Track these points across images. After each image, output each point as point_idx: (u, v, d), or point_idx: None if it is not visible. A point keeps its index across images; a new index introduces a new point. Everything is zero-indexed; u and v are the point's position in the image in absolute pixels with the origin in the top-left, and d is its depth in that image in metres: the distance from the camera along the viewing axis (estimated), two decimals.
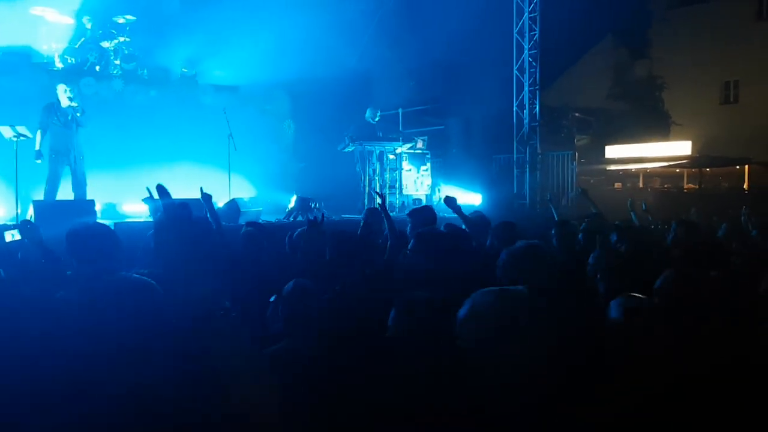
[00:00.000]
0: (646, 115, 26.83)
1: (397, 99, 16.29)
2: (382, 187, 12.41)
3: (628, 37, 28.59)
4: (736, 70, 25.98)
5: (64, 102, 9.73)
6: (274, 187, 13.70)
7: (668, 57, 27.05)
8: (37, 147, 9.46)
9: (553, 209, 8.14)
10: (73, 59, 12.30)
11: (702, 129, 25.24)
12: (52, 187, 9.66)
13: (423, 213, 5.40)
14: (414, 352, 2.36)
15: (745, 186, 22.19)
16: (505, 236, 4.56)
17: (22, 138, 8.86)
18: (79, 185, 9.85)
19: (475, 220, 5.53)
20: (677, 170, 24.39)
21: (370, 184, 12.22)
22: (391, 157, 12.73)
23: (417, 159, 13.43)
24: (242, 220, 9.41)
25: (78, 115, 9.79)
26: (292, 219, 10.73)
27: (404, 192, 13.09)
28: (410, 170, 13.25)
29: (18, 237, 4.19)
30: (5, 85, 11.00)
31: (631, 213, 7.07)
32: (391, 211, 11.38)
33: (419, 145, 13.62)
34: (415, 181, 13.29)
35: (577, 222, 6.46)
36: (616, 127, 26.10)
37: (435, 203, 13.45)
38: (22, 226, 3.83)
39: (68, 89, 9.74)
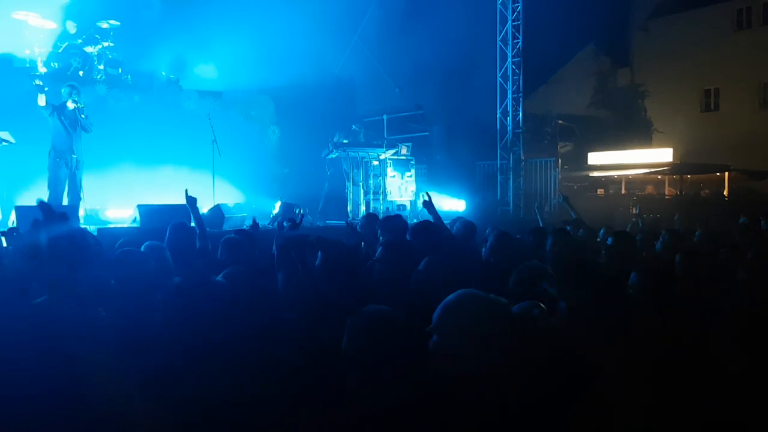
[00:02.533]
0: (628, 123, 27.12)
1: (382, 105, 16.38)
2: (366, 193, 12.45)
3: (610, 46, 28.93)
4: (716, 79, 26.40)
5: (70, 105, 9.56)
6: (258, 192, 13.69)
7: (650, 65, 27.43)
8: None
9: (539, 217, 8.20)
10: (56, 64, 12.22)
11: (683, 136, 25.57)
12: (56, 190, 9.43)
13: (393, 221, 5.18)
14: (370, 372, 2.22)
15: (725, 193, 22.47)
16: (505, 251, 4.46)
17: (4, 143, 8.80)
18: (74, 191, 9.64)
19: (459, 227, 5.53)
20: (659, 177, 24.64)
21: (354, 190, 12.27)
22: (375, 163, 12.77)
23: (401, 165, 13.48)
24: (226, 226, 9.42)
25: (83, 117, 9.64)
26: (276, 225, 10.72)
27: (389, 198, 13.12)
28: (394, 176, 13.29)
29: (4, 244, 4.18)
30: None
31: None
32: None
33: (403, 151, 13.67)
34: (399, 187, 13.34)
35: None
36: (599, 134, 26.33)
37: (419, 210, 13.51)
38: (8, 234, 3.84)
39: (73, 92, 9.57)
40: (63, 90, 9.62)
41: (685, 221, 10.71)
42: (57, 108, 9.50)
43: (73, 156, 9.59)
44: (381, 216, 6.57)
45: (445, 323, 2.09)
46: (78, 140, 9.68)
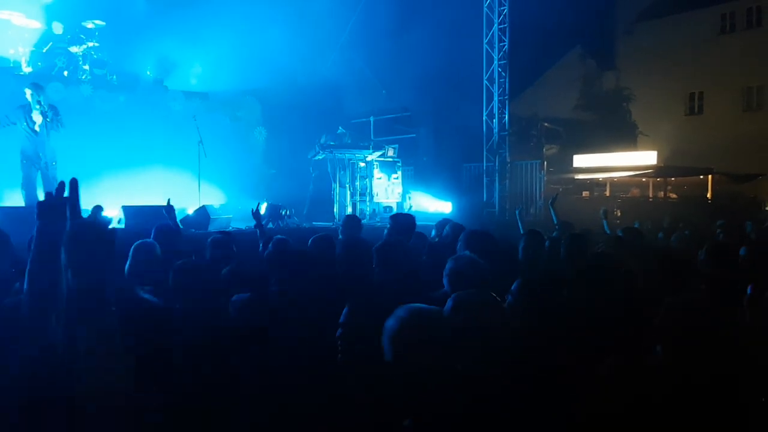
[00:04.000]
0: (614, 126, 27.34)
1: (369, 107, 16.42)
2: (352, 194, 12.47)
3: (596, 49, 29.14)
4: (700, 82, 26.64)
5: (33, 107, 9.41)
6: (244, 194, 13.66)
7: (635, 69, 27.65)
8: None
9: (519, 222, 8.02)
10: (40, 64, 12.15)
11: (667, 139, 25.82)
12: (30, 191, 9.39)
13: (402, 219, 5.33)
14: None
15: (709, 195, 22.69)
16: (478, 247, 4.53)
17: None
18: (49, 190, 9.60)
19: (448, 231, 5.51)
20: (643, 179, 24.85)
21: (340, 192, 12.28)
22: (362, 165, 12.79)
23: (388, 167, 13.51)
24: (212, 227, 9.39)
25: (48, 120, 9.55)
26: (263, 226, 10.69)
27: (375, 200, 13.15)
28: (381, 178, 13.32)
29: None
30: None
31: (603, 221, 7.19)
32: (362, 219, 11.48)
33: (390, 153, 13.70)
34: (386, 189, 13.36)
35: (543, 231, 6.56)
36: (585, 137, 26.53)
37: (406, 211, 13.55)
38: None
39: (33, 94, 9.37)
40: (26, 90, 9.40)
41: (673, 223, 10.82)
42: (23, 108, 9.33)
43: (41, 157, 9.43)
44: (361, 218, 6.59)
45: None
46: (45, 141, 9.48)
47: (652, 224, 11.01)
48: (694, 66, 25.94)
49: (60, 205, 2.07)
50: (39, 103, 9.36)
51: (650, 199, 23.27)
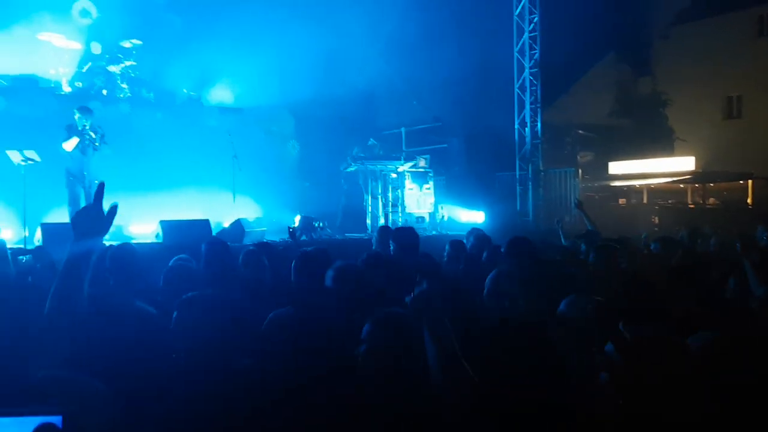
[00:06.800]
0: (650, 131, 26.97)
1: (401, 118, 16.47)
2: (384, 205, 12.52)
3: (631, 55, 28.80)
4: (738, 86, 26.11)
5: (81, 129, 9.75)
6: (278, 207, 13.83)
7: (671, 73, 27.23)
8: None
9: (560, 232, 7.97)
10: (80, 83, 12.52)
11: (705, 144, 25.34)
12: (75, 209, 9.68)
13: (404, 233, 5.18)
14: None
15: (749, 201, 22.19)
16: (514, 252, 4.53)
17: (30, 162, 9.00)
18: None
19: (473, 241, 5.52)
20: (681, 186, 24.43)
21: (372, 203, 12.35)
22: (393, 176, 12.84)
23: (419, 177, 13.54)
24: (247, 240, 9.54)
25: (96, 144, 9.87)
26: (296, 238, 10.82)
27: (407, 210, 13.18)
28: (412, 189, 13.35)
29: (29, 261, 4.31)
30: (13, 111, 11.22)
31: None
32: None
33: (421, 163, 13.72)
34: (417, 199, 13.38)
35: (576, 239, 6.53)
36: (620, 143, 26.23)
37: (438, 221, 13.56)
38: (36, 252, 3.97)
39: (81, 117, 9.75)
40: (75, 113, 9.80)
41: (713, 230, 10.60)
42: (70, 128, 9.69)
43: (85, 176, 9.79)
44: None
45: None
46: (90, 161, 9.86)
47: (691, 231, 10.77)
48: (732, 69, 25.43)
49: (96, 226, 2.13)
50: (86, 125, 9.68)
51: (691, 206, 22.83)
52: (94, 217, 2.10)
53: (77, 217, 2.09)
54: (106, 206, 2.13)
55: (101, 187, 2.15)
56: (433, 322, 2.16)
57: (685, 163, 24.09)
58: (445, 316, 2.19)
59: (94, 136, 9.80)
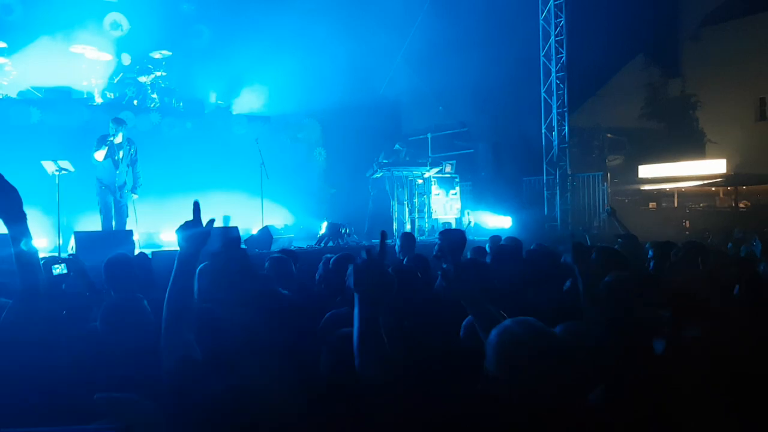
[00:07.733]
0: (680, 134, 26.55)
1: (427, 124, 16.51)
2: (410, 211, 12.55)
3: (660, 56, 28.41)
4: None
5: (116, 140, 9.91)
6: (306, 213, 13.95)
7: (701, 75, 26.78)
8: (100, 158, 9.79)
9: (587, 238, 7.94)
10: (112, 94, 12.79)
11: (737, 147, 24.87)
12: (107, 216, 10.00)
13: (452, 234, 5.40)
14: None
15: None
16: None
17: (64, 172, 9.19)
18: (120, 216, 10.10)
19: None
20: (712, 189, 24.03)
21: (399, 209, 12.38)
22: (420, 181, 12.87)
23: (446, 183, 13.55)
24: (275, 247, 9.63)
25: (132, 154, 10.10)
26: (323, 245, 10.92)
27: (433, 216, 13.19)
28: (439, 194, 13.37)
29: (64, 270, 4.40)
30: (48, 122, 11.52)
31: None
32: (420, 235, 11.53)
33: (447, 169, 13.74)
34: (444, 205, 13.40)
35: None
36: (650, 146, 25.87)
37: (465, 227, 13.53)
38: (70, 261, 4.07)
39: (115, 128, 9.89)
40: (110, 124, 9.96)
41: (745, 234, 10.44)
42: (103, 139, 9.85)
43: (116, 187, 9.97)
44: (420, 234, 6.64)
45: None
46: (122, 174, 10.02)
47: (723, 235, 10.63)
48: (764, 70, 24.96)
49: (201, 233, 2.39)
50: (120, 137, 9.87)
51: (727, 209, 22.42)
52: (196, 230, 2.38)
53: (183, 230, 2.37)
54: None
55: (197, 205, 2.43)
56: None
57: (716, 166, 23.66)
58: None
59: (130, 151, 10.01)
